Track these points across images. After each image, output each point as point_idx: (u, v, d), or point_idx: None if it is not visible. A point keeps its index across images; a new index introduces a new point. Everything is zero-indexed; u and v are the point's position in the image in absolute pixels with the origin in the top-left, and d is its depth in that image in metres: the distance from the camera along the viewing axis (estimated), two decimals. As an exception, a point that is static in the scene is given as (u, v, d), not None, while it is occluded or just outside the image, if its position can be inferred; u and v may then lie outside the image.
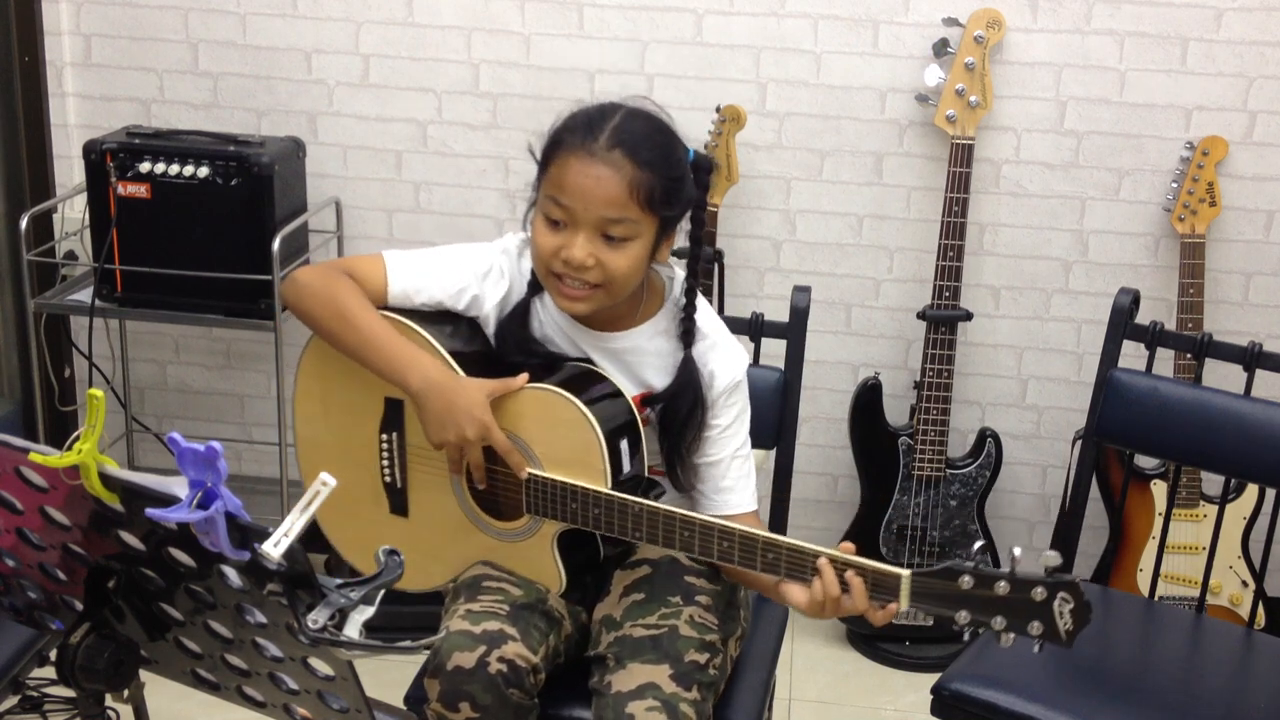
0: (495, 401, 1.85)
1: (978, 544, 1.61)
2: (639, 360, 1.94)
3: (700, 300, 1.96)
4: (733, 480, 1.96)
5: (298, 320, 1.95)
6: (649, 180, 1.79)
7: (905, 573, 1.65)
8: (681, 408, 1.91)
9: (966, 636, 1.67)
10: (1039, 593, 1.58)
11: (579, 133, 1.81)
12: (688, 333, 1.93)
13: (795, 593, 1.73)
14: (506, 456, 1.84)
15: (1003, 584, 1.59)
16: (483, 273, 1.95)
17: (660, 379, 1.94)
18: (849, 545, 1.71)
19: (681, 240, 1.95)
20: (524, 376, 1.87)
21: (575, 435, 1.82)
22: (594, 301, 1.86)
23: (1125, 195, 3.01)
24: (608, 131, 1.79)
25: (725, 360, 1.95)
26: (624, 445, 1.85)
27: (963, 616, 1.62)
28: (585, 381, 1.89)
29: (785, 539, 1.74)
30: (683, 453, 1.93)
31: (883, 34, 2.95)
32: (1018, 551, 1.58)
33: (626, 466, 1.85)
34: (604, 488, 1.81)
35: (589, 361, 1.94)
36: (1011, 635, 1.60)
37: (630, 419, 1.89)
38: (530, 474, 1.85)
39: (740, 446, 1.97)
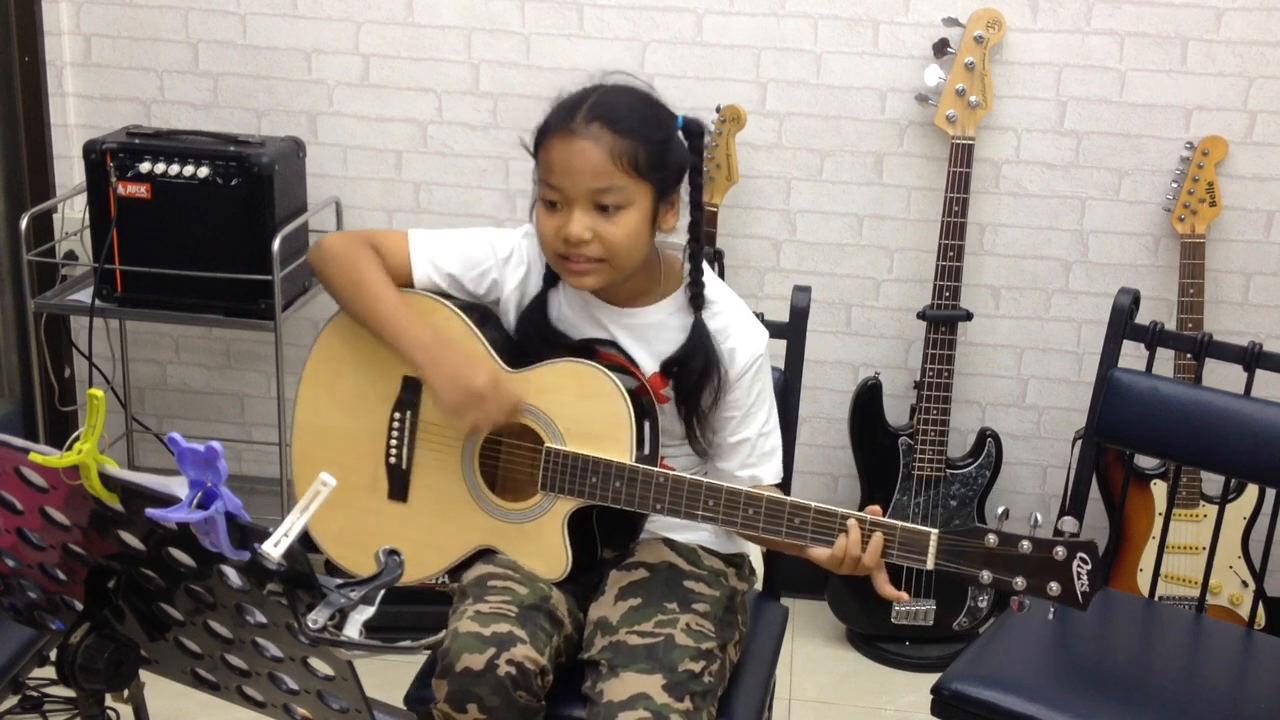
0: (523, 375, 1.90)
1: (1001, 508, 1.69)
2: (660, 335, 1.96)
3: (711, 274, 1.99)
4: (758, 457, 1.99)
5: (299, 316, 1.95)
6: (631, 146, 1.83)
7: (933, 531, 1.73)
8: (695, 369, 1.93)
9: (986, 602, 1.71)
10: (1059, 552, 1.67)
11: (561, 116, 1.87)
12: (696, 297, 1.95)
13: (817, 549, 1.79)
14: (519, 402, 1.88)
15: (1026, 543, 1.68)
16: (504, 256, 1.99)
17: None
18: (875, 508, 1.79)
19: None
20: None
21: (605, 406, 1.86)
22: (601, 275, 1.89)
23: (1125, 195, 3.01)
24: (585, 108, 1.85)
25: (744, 338, 1.97)
26: (646, 426, 1.89)
27: (985, 576, 1.70)
28: (612, 364, 1.93)
29: (813, 503, 1.79)
30: (701, 416, 1.95)
31: (883, 34, 2.95)
32: (1039, 516, 1.70)
33: (646, 448, 1.88)
34: (628, 461, 1.85)
35: (613, 344, 1.96)
36: (1029, 598, 1.69)
37: (650, 404, 1.92)
38: (550, 448, 1.87)
39: (764, 423, 1.99)
